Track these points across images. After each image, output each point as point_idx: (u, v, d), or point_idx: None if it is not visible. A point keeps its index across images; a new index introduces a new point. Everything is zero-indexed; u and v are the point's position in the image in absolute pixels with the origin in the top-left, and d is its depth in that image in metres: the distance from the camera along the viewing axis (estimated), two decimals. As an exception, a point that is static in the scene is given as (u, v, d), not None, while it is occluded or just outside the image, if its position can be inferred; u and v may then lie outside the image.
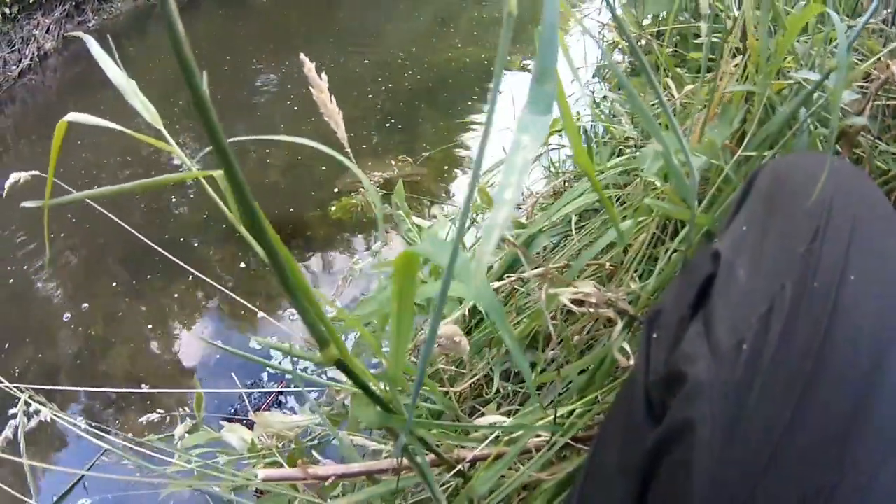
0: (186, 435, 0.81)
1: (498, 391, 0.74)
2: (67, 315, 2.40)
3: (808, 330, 0.31)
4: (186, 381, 2.10)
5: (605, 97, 1.36)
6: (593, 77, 2.02)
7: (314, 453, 0.80)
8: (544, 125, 0.21)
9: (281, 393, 1.88)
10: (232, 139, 0.25)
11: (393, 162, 3.01)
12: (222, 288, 1.16)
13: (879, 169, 0.67)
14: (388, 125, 3.48)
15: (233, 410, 1.85)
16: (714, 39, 0.83)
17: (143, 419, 1.01)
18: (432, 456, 0.50)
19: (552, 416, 0.53)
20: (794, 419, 0.30)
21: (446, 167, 3.02)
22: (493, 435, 0.54)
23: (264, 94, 4.07)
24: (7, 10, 4.43)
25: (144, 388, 2.02)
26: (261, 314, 2.21)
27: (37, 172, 0.68)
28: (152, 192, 2.94)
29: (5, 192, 0.72)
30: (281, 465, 0.73)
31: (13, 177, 0.70)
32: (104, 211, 0.85)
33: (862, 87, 0.65)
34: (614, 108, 1.22)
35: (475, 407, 0.77)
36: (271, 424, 0.73)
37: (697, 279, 0.40)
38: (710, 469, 0.31)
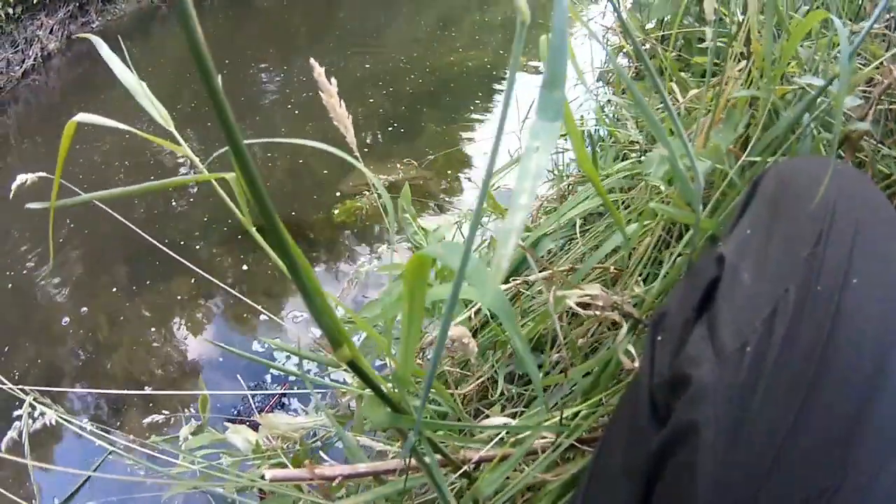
0: (190, 436, 0.82)
1: (502, 394, 0.74)
2: (66, 319, 2.41)
3: (811, 333, 0.31)
4: (188, 382, 2.10)
5: (609, 101, 1.37)
6: (597, 81, 2.02)
7: (321, 454, 0.80)
8: (555, 131, 0.21)
9: (284, 395, 1.88)
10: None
11: (398, 165, 3.01)
12: (227, 287, 1.16)
13: (882, 173, 0.67)
14: (390, 129, 3.49)
15: (236, 412, 1.86)
16: (719, 44, 0.84)
17: (146, 421, 1.01)
18: (438, 457, 0.50)
19: (557, 418, 0.54)
20: (798, 422, 0.30)
21: (449, 170, 3.03)
22: (499, 436, 0.54)
23: (266, 96, 4.08)
24: (10, 11, 4.44)
25: (148, 390, 2.02)
26: (264, 316, 2.21)
27: (44, 174, 0.68)
28: (153, 195, 2.95)
29: (12, 193, 0.72)
30: (286, 467, 0.73)
31: (20, 178, 0.70)
32: (109, 210, 0.86)
33: (865, 91, 0.65)
34: (619, 113, 1.23)
35: (480, 409, 0.78)
36: (277, 426, 0.73)
37: (702, 282, 0.40)
38: (714, 471, 0.31)
